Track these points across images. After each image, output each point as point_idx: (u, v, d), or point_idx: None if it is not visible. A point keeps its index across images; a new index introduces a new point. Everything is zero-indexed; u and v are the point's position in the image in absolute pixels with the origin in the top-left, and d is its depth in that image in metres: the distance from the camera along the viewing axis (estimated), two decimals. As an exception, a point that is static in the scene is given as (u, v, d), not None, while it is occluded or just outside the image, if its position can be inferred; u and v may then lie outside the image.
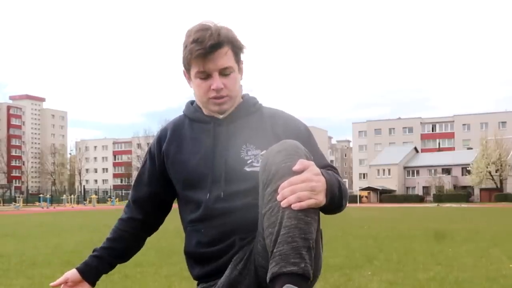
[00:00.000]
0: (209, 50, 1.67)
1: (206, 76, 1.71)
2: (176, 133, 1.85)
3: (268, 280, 1.40)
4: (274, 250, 1.40)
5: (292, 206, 1.41)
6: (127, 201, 2.00)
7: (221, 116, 1.77)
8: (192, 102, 1.91)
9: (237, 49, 1.75)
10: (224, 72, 1.71)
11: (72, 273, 1.98)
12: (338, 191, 1.56)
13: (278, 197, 1.42)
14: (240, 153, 1.72)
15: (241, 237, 1.67)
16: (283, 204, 1.41)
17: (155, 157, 1.88)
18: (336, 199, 1.55)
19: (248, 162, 1.71)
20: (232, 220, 1.68)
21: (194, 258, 1.83)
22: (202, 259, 1.78)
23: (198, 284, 1.83)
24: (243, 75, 1.83)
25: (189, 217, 1.80)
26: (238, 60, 1.77)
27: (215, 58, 1.69)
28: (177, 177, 1.81)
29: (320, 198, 1.45)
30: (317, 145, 1.80)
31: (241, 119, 1.78)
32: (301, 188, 1.42)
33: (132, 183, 1.99)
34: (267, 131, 1.75)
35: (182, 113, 1.93)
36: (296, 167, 1.45)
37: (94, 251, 2.01)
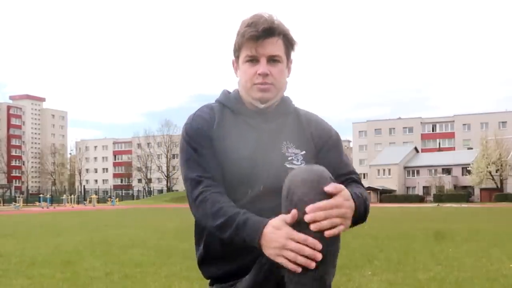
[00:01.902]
0: (261, 33, 1.68)
1: (254, 61, 1.72)
2: (223, 120, 1.78)
3: None
4: (286, 272, 1.46)
5: (326, 233, 1.42)
6: (195, 179, 1.71)
7: (262, 106, 1.75)
8: (229, 91, 1.88)
9: (288, 42, 1.76)
10: (272, 60, 1.72)
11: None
12: (363, 211, 1.61)
13: (307, 218, 1.42)
14: (282, 149, 1.74)
15: None
16: (314, 228, 1.42)
17: (202, 139, 1.74)
18: (360, 220, 1.61)
19: (289, 158, 1.73)
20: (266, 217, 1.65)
21: (217, 254, 1.73)
22: (227, 256, 1.71)
23: (212, 284, 1.78)
24: (290, 74, 1.83)
25: None
26: (288, 55, 1.78)
27: (266, 44, 1.70)
28: (219, 169, 1.73)
29: (349, 223, 1.50)
30: (344, 152, 1.86)
31: (282, 118, 1.80)
32: (334, 214, 1.44)
33: (185, 167, 1.75)
34: (304, 131, 1.79)
35: (216, 101, 1.85)
36: (328, 189, 1.45)
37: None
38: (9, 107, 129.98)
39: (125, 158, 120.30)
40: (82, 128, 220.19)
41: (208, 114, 1.79)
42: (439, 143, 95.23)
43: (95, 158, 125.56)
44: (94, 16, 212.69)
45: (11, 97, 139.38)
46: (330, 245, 1.44)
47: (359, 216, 1.57)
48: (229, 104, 1.81)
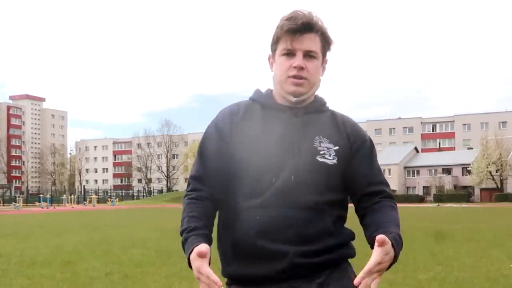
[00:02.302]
0: (300, 27, 1.69)
1: (290, 54, 1.72)
2: (249, 113, 1.78)
3: None
4: None
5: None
6: (189, 180, 1.79)
7: (294, 99, 1.73)
8: (261, 90, 1.87)
9: (325, 41, 1.76)
10: (308, 55, 1.72)
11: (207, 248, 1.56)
12: (399, 253, 1.61)
13: (356, 282, 1.48)
14: (313, 143, 1.71)
15: (302, 240, 1.63)
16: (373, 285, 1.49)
17: (224, 130, 1.75)
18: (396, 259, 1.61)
19: (321, 152, 1.70)
20: (293, 215, 1.63)
21: (243, 254, 1.68)
22: (254, 259, 1.66)
23: (230, 284, 1.74)
24: (323, 74, 1.82)
25: (245, 203, 1.68)
26: (324, 53, 1.78)
27: (303, 39, 1.71)
28: (243, 157, 1.70)
29: (385, 270, 1.53)
30: (377, 159, 1.84)
31: (315, 114, 1.79)
32: (376, 271, 1.50)
33: (195, 161, 1.81)
34: (340, 128, 1.77)
35: (248, 99, 1.85)
36: (378, 240, 1.49)
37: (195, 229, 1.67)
38: (9, 107, 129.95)
39: (125, 158, 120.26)
40: (82, 128, 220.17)
41: (233, 109, 1.80)
42: (439, 143, 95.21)
43: (95, 158, 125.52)
44: (94, 16, 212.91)
45: (11, 97, 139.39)
46: None
47: (396, 259, 1.58)
48: (259, 99, 1.81)
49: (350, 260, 1.77)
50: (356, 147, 1.76)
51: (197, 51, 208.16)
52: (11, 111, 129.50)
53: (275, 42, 1.77)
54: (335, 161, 1.70)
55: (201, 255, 1.51)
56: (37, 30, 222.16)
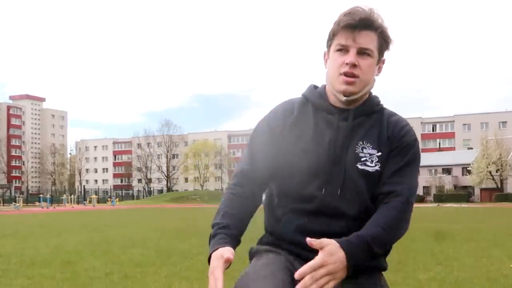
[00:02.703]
0: (357, 23, 1.64)
1: (344, 51, 1.68)
2: (302, 115, 1.75)
3: None
4: None
5: None
6: (235, 172, 1.79)
7: (344, 98, 1.69)
8: (315, 87, 1.83)
9: (383, 39, 1.71)
10: (362, 53, 1.67)
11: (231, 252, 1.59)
12: (366, 256, 1.55)
13: (296, 274, 1.46)
14: (355, 149, 1.67)
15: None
16: None
17: (275, 128, 1.74)
18: (365, 260, 1.55)
19: (362, 159, 1.66)
20: (337, 224, 1.64)
21: (285, 243, 1.71)
22: (297, 247, 1.68)
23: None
24: (379, 74, 1.77)
25: (290, 205, 1.70)
26: (380, 52, 1.72)
27: (359, 35, 1.66)
28: (293, 160, 1.70)
29: (340, 276, 1.48)
30: (412, 165, 1.71)
31: (364, 116, 1.73)
32: (320, 274, 1.45)
33: (244, 155, 1.80)
34: (384, 132, 1.70)
35: (301, 95, 1.82)
36: (309, 241, 1.48)
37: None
38: (9, 107, 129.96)
39: (125, 158, 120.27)
40: (82, 128, 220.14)
41: (287, 108, 1.78)
42: (439, 143, 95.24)
43: (95, 158, 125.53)
44: (94, 16, 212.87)
45: (11, 97, 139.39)
46: None
47: (358, 261, 1.52)
48: (312, 99, 1.77)
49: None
50: (393, 148, 1.69)
51: (197, 51, 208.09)
52: (11, 111, 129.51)
53: (331, 38, 1.72)
54: (377, 167, 1.65)
55: (227, 261, 1.53)
56: (37, 30, 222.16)
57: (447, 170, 78.51)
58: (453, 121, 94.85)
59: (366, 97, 1.75)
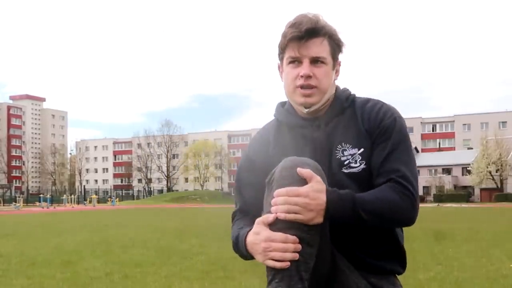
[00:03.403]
0: (304, 34, 1.61)
1: (296, 62, 1.64)
2: (278, 140, 1.74)
3: None
4: (269, 275, 1.46)
5: (278, 215, 1.43)
6: (233, 213, 1.83)
7: (306, 110, 1.66)
8: (283, 104, 1.80)
9: (334, 43, 1.68)
10: (316, 61, 1.64)
11: None
12: (349, 214, 1.49)
13: (272, 202, 1.44)
14: (336, 155, 1.64)
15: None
16: (272, 210, 1.43)
17: (256, 161, 1.75)
18: (347, 219, 1.50)
19: (345, 163, 1.62)
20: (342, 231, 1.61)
21: None
22: None
23: None
24: (338, 77, 1.74)
25: None
26: (334, 56, 1.69)
27: (309, 45, 1.62)
28: None
29: (309, 216, 1.43)
30: (399, 144, 1.62)
31: (336, 119, 1.68)
32: (294, 201, 1.42)
33: (235, 194, 1.85)
34: (359, 126, 1.65)
35: (274, 117, 1.81)
36: (300, 170, 1.44)
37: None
38: (9, 107, 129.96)
39: (125, 158, 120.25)
40: (82, 128, 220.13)
41: (264, 137, 1.78)
42: (439, 143, 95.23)
43: (95, 158, 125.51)
44: (94, 16, 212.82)
45: (11, 97, 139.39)
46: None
47: (336, 216, 1.47)
48: (282, 119, 1.75)
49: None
50: (375, 134, 1.63)
51: (197, 51, 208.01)
52: (11, 111, 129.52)
53: (281, 51, 1.69)
54: (362, 166, 1.61)
55: (265, 221, 1.46)
56: (37, 30, 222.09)
57: (447, 170, 78.50)
58: (453, 121, 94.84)
59: (332, 99, 1.71)
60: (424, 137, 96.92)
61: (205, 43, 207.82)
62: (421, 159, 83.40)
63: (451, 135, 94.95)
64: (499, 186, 68.76)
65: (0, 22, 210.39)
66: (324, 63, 1.65)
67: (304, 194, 1.42)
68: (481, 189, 71.28)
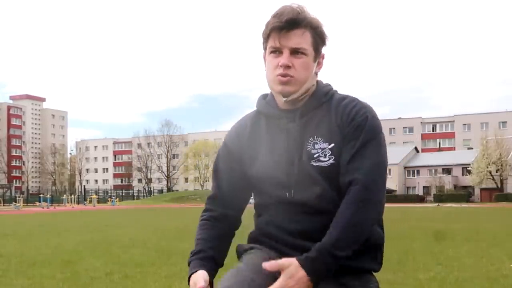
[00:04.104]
0: (285, 24, 1.62)
1: (277, 52, 1.66)
2: (255, 128, 1.77)
3: None
4: None
5: None
6: (206, 200, 1.85)
7: (284, 99, 1.67)
8: (264, 97, 1.82)
9: (317, 35, 1.68)
10: (296, 52, 1.65)
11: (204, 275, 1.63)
12: (332, 262, 1.51)
13: None
14: (307, 147, 1.65)
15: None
16: None
17: (233, 150, 1.78)
18: (332, 268, 1.52)
19: (315, 156, 1.63)
20: (308, 226, 1.63)
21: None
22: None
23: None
24: (320, 69, 1.74)
25: (265, 214, 1.75)
26: (316, 49, 1.69)
27: (290, 36, 1.64)
28: (254, 175, 1.73)
29: None
30: (366, 142, 1.61)
31: (312, 112, 1.70)
32: None
33: (212, 182, 1.87)
34: (332, 121, 1.66)
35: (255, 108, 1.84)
36: (266, 266, 1.49)
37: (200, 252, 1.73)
38: (9, 107, 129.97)
39: (125, 158, 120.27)
40: (82, 128, 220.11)
41: (241, 126, 1.81)
42: (439, 143, 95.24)
43: (95, 158, 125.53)
44: (94, 16, 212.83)
45: (11, 97, 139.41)
46: None
47: (324, 273, 1.50)
48: (261, 109, 1.77)
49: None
50: (345, 134, 1.63)
51: (197, 51, 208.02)
52: (11, 111, 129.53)
53: (265, 41, 1.71)
54: (331, 161, 1.62)
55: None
56: (37, 30, 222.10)
57: (447, 170, 78.51)
58: (453, 121, 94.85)
59: (311, 91, 1.72)
60: (424, 137, 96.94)
61: (205, 44, 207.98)
62: (421, 159, 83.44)
63: (451, 135, 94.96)
64: (499, 186, 68.76)
65: (0, 22, 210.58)
66: (305, 54, 1.66)
67: (286, 285, 1.46)
68: (481, 189, 71.28)
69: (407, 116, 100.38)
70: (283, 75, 1.64)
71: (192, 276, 1.60)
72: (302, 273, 1.47)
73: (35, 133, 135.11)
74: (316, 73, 1.73)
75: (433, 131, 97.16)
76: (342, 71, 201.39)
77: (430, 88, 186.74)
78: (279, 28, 1.63)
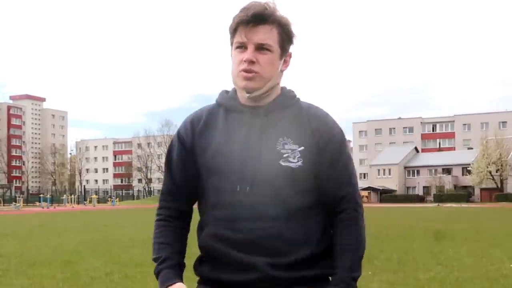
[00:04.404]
0: (251, 19, 1.59)
1: (243, 47, 1.62)
2: (211, 119, 1.70)
3: None
4: None
5: None
6: (160, 196, 1.79)
7: (247, 95, 1.63)
8: (227, 92, 1.79)
9: (284, 33, 1.64)
10: (261, 48, 1.61)
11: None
12: (354, 285, 1.57)
13: None
14: (276, 146, 1.60)
15: (270, 253, 1.55)
16: None
17: (185, 139, 1.71)
18: None
19: (285, 155, 1.59)
20: (261, 226, 1.56)
21: (212, 257, 1.66)
22: (224, 262, 1.63)
23: (199, 283, 1.69)
24: (286, 68, 1.71)
25: (212, 214, 1.64)
26: (282, 46, 1.65)
27: (256, 31, 1.60)
28: (206, 165, 1.66)
29: None
30: (347, 159, 1.66)
31: (279, 112, 1.67)
32: None
33: (164, 174, 1.78)
34: (305, 125, 1.63)
35: (215, 101, 1.78)
36: None
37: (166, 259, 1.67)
38: (9, 107, 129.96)
39: (125, 158, 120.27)
40: (82, 128, 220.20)
41: (196, 116, 1.74)
42: (439, 143, 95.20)
43: (95, 158, 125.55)
44: (94, 16, 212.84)
45: (11, 97, 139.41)
46: None
47: None
48: (223, 102, 1.72)
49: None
50: (323, 143, 1.61)
51: (197, 51, 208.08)
52: (11, 111, 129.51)
53: (231, 35, 1.67)
54: (300, 163, 1.58)
55: None
56: (37, 30, 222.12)
57: (447, 170, 78.51)
58: (453, 121, 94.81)
59: (276, 92, 1.69)
60: (424, 137, 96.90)
61: (205, 43, 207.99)
62: (421, 159, 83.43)
63: (451, 135, 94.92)
64: (499, 186, 68.77)
65: (0, 22, 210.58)
66: (270, 50, 1.62)
67: None
68: (481, 189, 71.29)
69: (407, 116, 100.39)
70: (247, 71, 1.61)
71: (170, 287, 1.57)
72: None
73: (35, 133, 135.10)
74: (281, 71, 1.69)
75: (433, 131, 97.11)
76: (343, 71, 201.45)
77: (430, 88, 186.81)
78: (246, 22, 1.60)
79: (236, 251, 1.57)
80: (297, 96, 1.74)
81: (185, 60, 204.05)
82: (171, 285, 1.56)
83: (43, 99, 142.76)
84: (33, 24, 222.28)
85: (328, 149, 1.62)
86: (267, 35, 1.61)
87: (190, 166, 1.68)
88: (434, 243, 9.02)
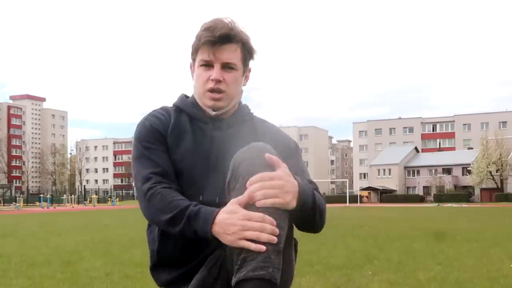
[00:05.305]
0: (218, 39, 1.64)
1: (209, 66, 1.68)
2: (179, 123, 1.75)
3: (233, 285, 1.38)
4: (242, 254, 1.38)
5: (256, 203, 1.40)
6: (147, 176, 1.66)
7: (213, 113, 1.71)
8: (187, 96, 1.84)
9: (246, 51, 1.73)
10: (226, 67, 1.68)
11: None
12: (311, 201, 1.52)
13: (246, 192, 1.41)
14: None
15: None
16: (249, 196, 1.41)
17: (161, 131, 1.72)
18: (308, 208, 1.50)
19: None
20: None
21: (167, 262, 1.70)
22: (175, 262, 1.68)
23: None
24: (247, 83, 1.80)
25: None
26: (244, 63, 1.74)
27: (222, 50, 1.66)
28: (175, 165, 1.70)
29: (288, 199, 1.42)
30: (303, 162, 1.79)
31: (237, 126, 1.76)
32: (270, 185, 1.41)
33: (137, 164, 1.70)
34: (259, 138, 1.68)
35: (173, 105, 1.82)
36: (269, 156, 1.46)
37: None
38: (9, 107, 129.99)
39: (125, 158, 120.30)
40: (82, 128, 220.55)
41: (163, 116, 1.76)
42: (439, 143, 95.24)
43: (95, 158, 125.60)
44: (94, 16, 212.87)
45: (11, 97, 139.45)
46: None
47: (304, 202, 1.48)
48: (186, 109, 1.77)
49: None
50: (279, 152, 1.60)
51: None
52: (11, 111, 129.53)
53: (194, 52, 1.72)
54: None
55: (242, 202, 1.42)
56: (37, 30, 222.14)
57: (447, 170, 78.54)
58: (453, 121, 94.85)
59: (236, 107, 1.79)
60: (424, 137, 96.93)
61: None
62: (421, 159, 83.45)
63: (451, 135, 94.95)
64: (499, 186, 68.79)
65: (0, 22, 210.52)
66: (234, 69, 1.70)
67: (279, 177, 1.43)
68: (481, 189, 71.32)
69: (407, 116, 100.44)
70: (216, 91, 1.67)
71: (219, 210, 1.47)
72: (295, 180, 1.47)
73: (35, 133, 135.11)
74: (242, 87, 1.79)
75: (433, 131, 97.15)
76: (343, 72, 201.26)
77: (430, 88, 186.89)
78: (212, 42, 1.65)
79: (193, 258, 1.64)
80: (251, 112, 1.84)
81: (185, 60, 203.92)
82: (219, 211, 1.46)
83: (43, 99, 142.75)
84: (33, 24, 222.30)
85: (287, 153, 1.69)
86: (232, 54, 1.68)
87: (165, 155, 1.69)
88: (434, 243, 9.02)
